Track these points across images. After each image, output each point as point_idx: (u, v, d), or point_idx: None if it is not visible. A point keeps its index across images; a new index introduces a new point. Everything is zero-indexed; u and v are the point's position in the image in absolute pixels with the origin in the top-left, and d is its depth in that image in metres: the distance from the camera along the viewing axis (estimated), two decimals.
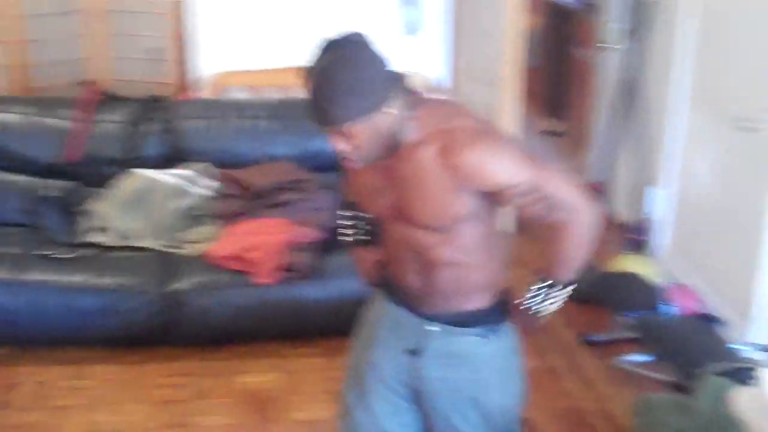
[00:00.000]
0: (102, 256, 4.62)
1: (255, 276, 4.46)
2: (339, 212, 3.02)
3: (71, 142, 4.96)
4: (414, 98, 2.51)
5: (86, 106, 5.03)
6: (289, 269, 4.48)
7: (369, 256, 2.99)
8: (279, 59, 5.75)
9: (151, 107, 5.12)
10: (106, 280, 4.46)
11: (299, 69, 2.43)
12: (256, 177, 4.96)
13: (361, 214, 2.94)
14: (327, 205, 4.80)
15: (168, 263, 4.60)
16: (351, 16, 5.81)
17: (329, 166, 4.90)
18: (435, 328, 2.74)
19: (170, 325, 4.48)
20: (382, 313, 2.87)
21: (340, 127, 2.40)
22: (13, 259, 4.54)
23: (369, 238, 2.96)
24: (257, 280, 4.45)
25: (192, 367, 4.51)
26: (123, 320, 4.44)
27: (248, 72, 5.82)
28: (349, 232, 2.99)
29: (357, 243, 3.02)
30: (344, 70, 2.35)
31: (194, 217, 4.88)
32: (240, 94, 5.69)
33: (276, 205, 4.84)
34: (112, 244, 4.70)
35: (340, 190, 3.08)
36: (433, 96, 2.73)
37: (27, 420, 4.13)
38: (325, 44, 2.40)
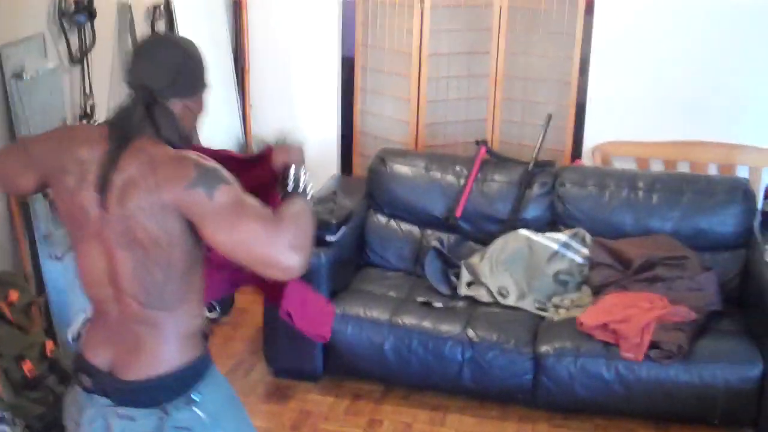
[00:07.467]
0: (475, 309, 4.44)
1: (621, 349, 4.06)
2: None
3: (459, 198, 4.82)
4: None
5: (476, 164, 4.89)
6: (656, 347, 4.03)
7: None
8: (667, 132, 5.30)
9: (537, 171, 4.88)
10: (476, 333, 4.23)
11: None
12: (632, 248, 4.54)
13: None
14: (708, 287, 4.34)
15: (537, 325, 4.34)
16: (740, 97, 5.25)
17: (714, 245, 4.58)
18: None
19: (532, 387, 4.19)
20: None
21: None
22: (394, 302, 4.48)
23: None
24: (622, 353, 4.04)
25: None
26: (487, 375, 4.21)
27: (635, 143, 5.37)
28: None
29: None
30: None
31: (563, 281, 4.58)
32: (624, 165, 5.24)
33: (650, 280, 4.40)
34: (485, 300, 4.50)
35: None
36: None
37: None
38: None
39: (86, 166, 2.23)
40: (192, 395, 2.31)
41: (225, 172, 2.15)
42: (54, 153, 2.32)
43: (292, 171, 2.35)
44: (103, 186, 2.18)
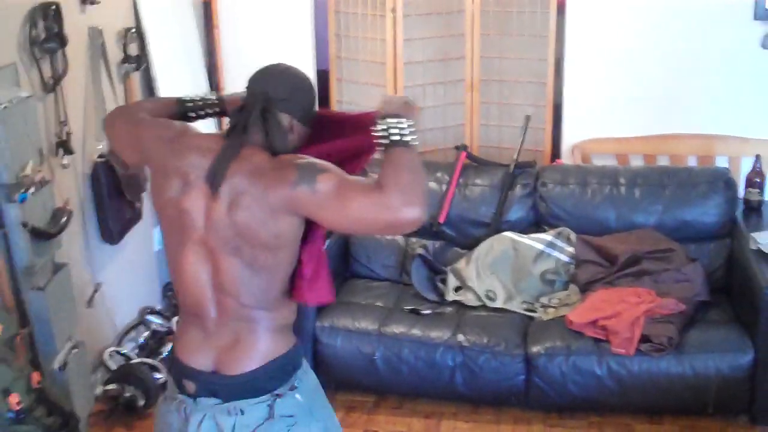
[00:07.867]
0: (463, 314, 4.40)
1: (611, 345, 4.03)
2: None
3: (441, 204, 4.81)
4: None
5: (457, 169, 4.88)
6: (647, 340, 4.00)
7: None
8: (644, 127, 5.27)
9: (519, 173, 4.86)
10: (466, 338, 4.19)
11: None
12: (617, 244, 4.53)
13: None
14: (695, 278, 4.32)
15: (526, 326, 4.31)
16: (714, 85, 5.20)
17: (698, 236, 4.56)
18: None
19: (525, 388, 4.16)
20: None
21: None
22: (382, 312, 4.44)
23: None
24: (613, 349, 4.01)
25: None
26: (479, 379, 4.17)
27: (613, 139, 5.33)
28: None
29: None
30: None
31: (550, 281, 4.55)
32: (604, 162, 5.19)
33: (637, 274, 4.37)
34: (473, 304, 4.47)
35: None
36: None
37: None
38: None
39: (195, 173, 2.30)
40: (294, 382, 2.39)
41: (320, 163, 2.21)
42: (162, 153, 2.37)
43: (381, 123, 2.29)
44: (212, 194, 2.26)
